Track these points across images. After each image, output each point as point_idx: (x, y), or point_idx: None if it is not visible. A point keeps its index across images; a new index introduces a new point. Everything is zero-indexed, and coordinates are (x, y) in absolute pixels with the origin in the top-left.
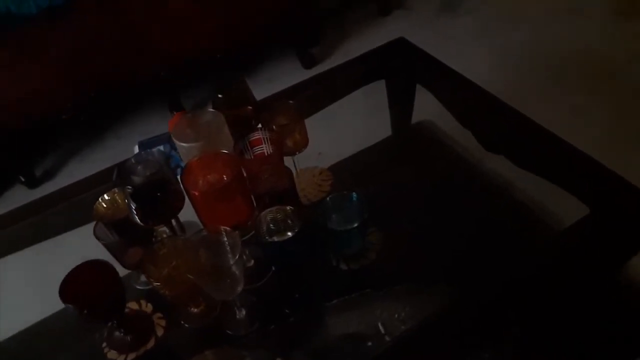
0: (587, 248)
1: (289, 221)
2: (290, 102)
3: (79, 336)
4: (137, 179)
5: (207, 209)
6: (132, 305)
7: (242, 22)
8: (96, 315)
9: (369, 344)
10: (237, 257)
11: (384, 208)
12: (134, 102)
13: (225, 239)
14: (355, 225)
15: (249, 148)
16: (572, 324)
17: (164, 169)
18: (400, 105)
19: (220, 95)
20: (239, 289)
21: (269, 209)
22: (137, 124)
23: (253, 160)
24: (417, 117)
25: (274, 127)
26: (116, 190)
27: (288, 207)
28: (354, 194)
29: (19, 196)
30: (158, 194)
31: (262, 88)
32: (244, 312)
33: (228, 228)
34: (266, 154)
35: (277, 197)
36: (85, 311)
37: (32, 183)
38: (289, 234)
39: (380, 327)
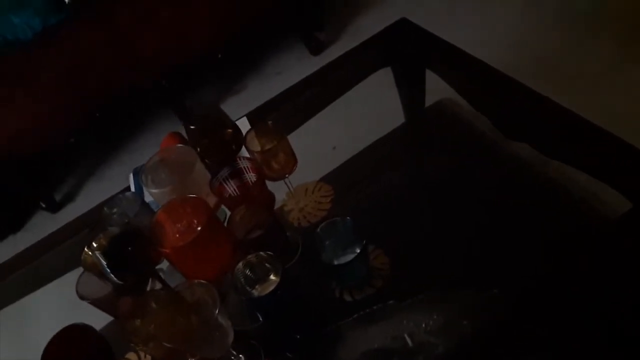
0: (632, 247)
1: (267, 264)
2: (269, 122)
3: None
4: (113, 230)
5: (183, 263)
6: (131, 357)
7: (237, 16)
8: None
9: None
10: (217, 310)
11: (398, 208)
12: (141, 115)
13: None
14: (352, 257)
15: (229, 181)
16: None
17: (139, 216)
18: (409, 90)
19: (192, 127)
20: (230, 340)
21: (241, 262)
22: (148, 136)
23: (231, 198)
24: (436, 94)
25: (254, 153)
26: (102, 236)
27: (262, 253)
28: (348, 220)
29: (43, 222)
30: (129, 248)
31: (273, 81)
32: (242, 359)
33: (202, 281)
34: (250, 183)
35: (258, 240)
36: None
37: (54, 207)
38: (272, 277)
39: (407, 339)
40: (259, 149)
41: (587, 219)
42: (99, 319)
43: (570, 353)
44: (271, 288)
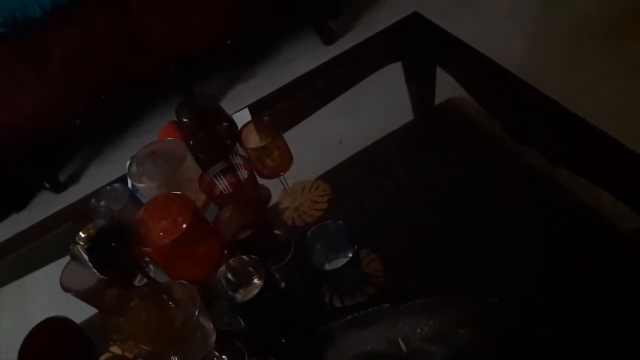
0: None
1: (250, 269)
2: (266, 118)
3: None
4: (98, 223)
5: (167, 262)
6: (115, 350)
7: (249, 2)
8: None
9: None
10: (197, 311)
11: (398, 210)
12: (147, 100)
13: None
14: (343, 263)
15: (221, 178)
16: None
17: (127, 209)
18: (419, 86)
19: (185, 120)
20: (212, 341)
21: (223, 265)
22: (154, 121)
23: (221, 196)
24: (446, 93)
25: (248, 149)
26: (91, 226)
27: (245, 257)
28: (341, 223)
29: (46, 202)
30: (113, 244)
31: (282, 70)
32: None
33: (183, 281)
34: (242, 180)
35: (247, 241)
36: None
37: (58, 188)
38: (256, 281)
39: (402, 344)
40: (253, 145)
41: (596, 228)
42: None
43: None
44: (255, 292)
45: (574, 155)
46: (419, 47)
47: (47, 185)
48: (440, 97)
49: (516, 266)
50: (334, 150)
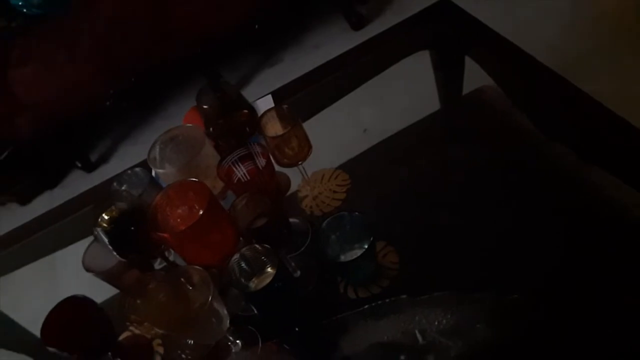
0: None
1: (263, 258)
2: (285, 106)
3: None
4: (119, 206)
5: (184, 248)
6: (134, 330)
7: None
8: (86, 355)
9: (401, 358)
10: (210, 296)
11: (418, 202)
12: (176, 82)
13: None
14: (358, 254)
15: (240, 165)
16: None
17: (147, 193)
18: (447, 75)
19: (205, 106)
20: (225, 326)
21: (236, 254)
22: (182, 104)
23: (239, 184)
24: (474, 83)
25: (267, 138)
26: (114, 208)
27: (258, 246)
28: (356, 214)
29: (78, 180)
30: (132, 228)
31: (309, 55)
32: (239, 344)
33: (197, 267)
34: (260, 167)
35: (262, 229)
36: (74, 354)
37: (89, 167)
38: (269, 270)
39: (418, 336)
40: (272, 133)
41: (621, 226)
42: None
43: None
44: (267, 281)
45: (604, 152)
46: (448, 34)
47: (79, 165)
48: (468, 87)
49: (536, 263)
50: (358, 138)
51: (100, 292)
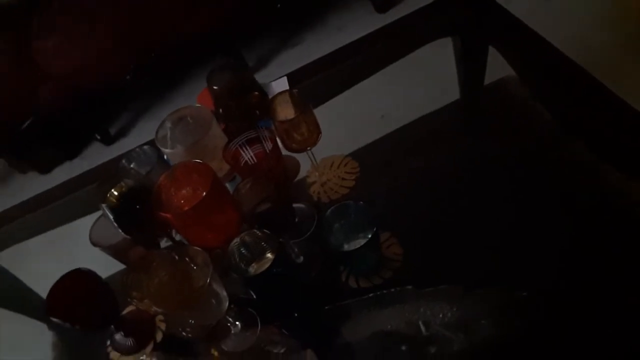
0: None
1: (263, 243)
2: (295, 91)
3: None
4: (127, 183)
5: (187, 229)
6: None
7: None
8: (89, 328)
9: (403, 348)
10: (209, 278)
11: (428, 194)
12: (196, 59)
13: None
14: (361, 244)
15: (247, 148)
16: None
17: (155, 172)
18: (469, 64)
19: (215, 87)
20: (224, 307)
21: (236, 238)
22: (201, 83)
23: (245, 167)
24: (496, 73)
25: (275, 122)
26: (123, 184)
27: (257, 231)
28: (361, 204)
29: (97, 152)
30: (137, 206)
31: (332, 37)
32: (238, 326)
33: (197, 248)
34: (267, 151)
35: (265, 214)
36: (77, 326)
37: (108, 140)
38: (269, 255)
39: (422, 327)
40: (281, 117)
41: (632, 227)
42: None
43: None
44: (266, 266)
45: (624, 152)
46: (472, 22)
47: (98, 137)
48: (490, 78)
49: (541, 262)
50: (374, 124)
51: (110, 266)
